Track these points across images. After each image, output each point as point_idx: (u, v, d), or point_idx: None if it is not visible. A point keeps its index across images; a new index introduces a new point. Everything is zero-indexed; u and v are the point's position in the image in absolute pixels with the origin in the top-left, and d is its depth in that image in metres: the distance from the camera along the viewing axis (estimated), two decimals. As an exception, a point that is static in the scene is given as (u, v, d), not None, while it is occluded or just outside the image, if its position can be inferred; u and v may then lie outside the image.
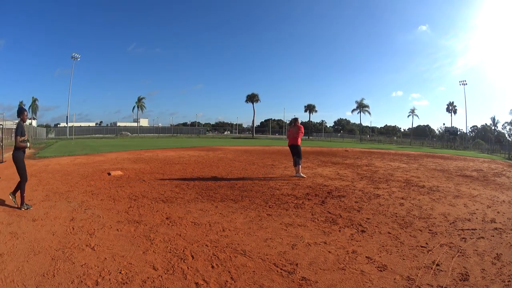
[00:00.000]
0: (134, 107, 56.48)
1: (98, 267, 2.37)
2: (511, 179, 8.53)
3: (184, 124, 77.88)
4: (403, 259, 2.68)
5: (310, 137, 57.99)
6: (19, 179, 4.04)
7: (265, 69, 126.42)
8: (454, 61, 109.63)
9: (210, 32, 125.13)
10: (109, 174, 7.01)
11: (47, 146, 18.79)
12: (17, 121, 4.58)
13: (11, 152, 4.18)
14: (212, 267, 2.43)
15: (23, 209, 3.94)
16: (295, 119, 7.83)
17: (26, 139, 4.24)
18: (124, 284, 2.12)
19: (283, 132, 73.82)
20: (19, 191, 4.06)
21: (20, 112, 4.21)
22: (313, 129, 73.61)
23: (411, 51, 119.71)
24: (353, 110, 57.96)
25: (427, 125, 77.98)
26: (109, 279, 2.17)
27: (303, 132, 7.57)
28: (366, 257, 2.70)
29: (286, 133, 8.06)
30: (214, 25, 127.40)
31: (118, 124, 66.49)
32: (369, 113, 57.46)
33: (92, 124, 69.44)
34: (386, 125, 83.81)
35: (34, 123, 47.30)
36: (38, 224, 3.37)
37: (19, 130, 4.10)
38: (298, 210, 4.29)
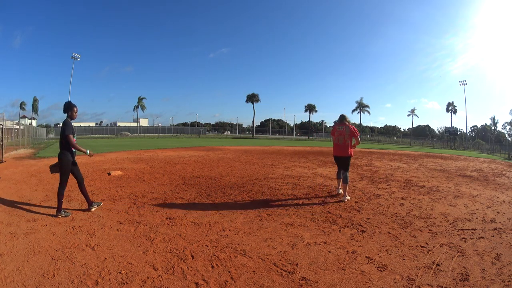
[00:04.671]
0: (134, 107, 56.46)
1: (98, 267, 2.37)
2: (511, 179, 8.53)
3: (184, 124, 77.92)
4: (403, 259, 2.68)
5: (310, 137, 57.99)
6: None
7: (265, 69, 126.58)
8: (454, 60, 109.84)
9: (210, 32, 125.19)
10: (109, 174, 7.01)
11: (47, 146, 18.78)
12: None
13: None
14: (212, 267, 2.43)
15: (59, 216, 3.62)
16: (343, 116, 5.24)
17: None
18: (124, 284, 2.12)
19: (283, 132, 73.84)
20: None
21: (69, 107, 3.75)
22: (313, 129, 73.59)
23: (410, 50, 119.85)
24: (353, 110, 57.92)
25: (427, 125, 78.05)
26: (109, 279, 2.17)
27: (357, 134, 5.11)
28: (366, 257, 2.70)
29: (334, 136, 5.22)
30: (214, 25, 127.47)
31: (118, 124, 66.47)
32: (369, 112, 57.49)
33: (92, 124, 69.46)
34: (386, 125, 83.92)
35: (34, 123, 47.30)
36: (38, 224, 3.36)
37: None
38: (298, 210, 4.29)
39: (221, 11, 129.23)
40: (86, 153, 3.85)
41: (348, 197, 5.04)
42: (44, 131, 29.28)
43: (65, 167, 3.71)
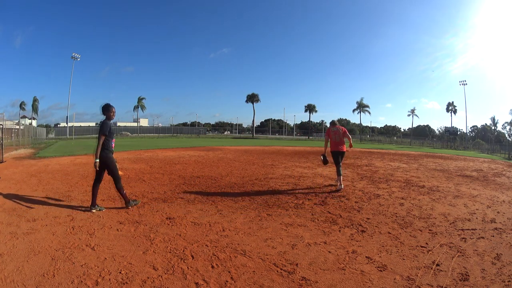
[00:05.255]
0: (134, 107, 56.44)
1: (98, 267, 2.37)
2: (511, 179, 8.53)
3: (184, 124, 77.90)
4: (403, 259, 2.68)
5: (310, 137, 58.00)
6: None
7: (266, 69, 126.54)
8: (454, 60, 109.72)
9: (210, 32, 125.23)
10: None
11: (47, 146, 18.79)
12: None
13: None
14: (212, 267, 2.43)
15: (130, 207, 4.10)
16: (334, 121, 6.30)
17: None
18: (124, 284, 2.12)
19: (283, 132, 73.84)
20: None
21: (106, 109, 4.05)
22: (313, 129, 73.58)
23: (410, 50, 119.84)
24: (353, 110, 57.96)
25: (427, 125, 78.08)
26: (109, 279, 2.17)
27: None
28: (366, 257, 2.70)
29: (329, 136, 6.17)
30: (214, 25, 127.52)
31: (118, 124, 66.40)
32: (369, 112, 57.52)
33: (92, 124, 69.36)
34: (386, 125, 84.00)
35: (34, 123, 47.32)
36: (38, 224, 3.36)
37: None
38: (298, 210, 4.29)
39: (221, 11, 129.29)
40: (95, 160, 3.85)
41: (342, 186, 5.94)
42: (44, 131, 29.30)
43: (111, 164, 3.97)
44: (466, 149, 38.37)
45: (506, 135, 64.02)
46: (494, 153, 29.09)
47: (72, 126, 40.34)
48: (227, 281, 2.19)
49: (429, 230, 3.53)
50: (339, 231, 3.42)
